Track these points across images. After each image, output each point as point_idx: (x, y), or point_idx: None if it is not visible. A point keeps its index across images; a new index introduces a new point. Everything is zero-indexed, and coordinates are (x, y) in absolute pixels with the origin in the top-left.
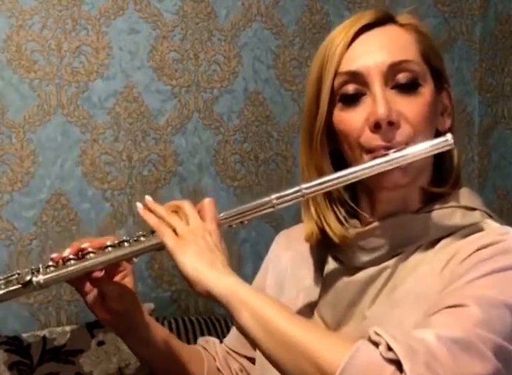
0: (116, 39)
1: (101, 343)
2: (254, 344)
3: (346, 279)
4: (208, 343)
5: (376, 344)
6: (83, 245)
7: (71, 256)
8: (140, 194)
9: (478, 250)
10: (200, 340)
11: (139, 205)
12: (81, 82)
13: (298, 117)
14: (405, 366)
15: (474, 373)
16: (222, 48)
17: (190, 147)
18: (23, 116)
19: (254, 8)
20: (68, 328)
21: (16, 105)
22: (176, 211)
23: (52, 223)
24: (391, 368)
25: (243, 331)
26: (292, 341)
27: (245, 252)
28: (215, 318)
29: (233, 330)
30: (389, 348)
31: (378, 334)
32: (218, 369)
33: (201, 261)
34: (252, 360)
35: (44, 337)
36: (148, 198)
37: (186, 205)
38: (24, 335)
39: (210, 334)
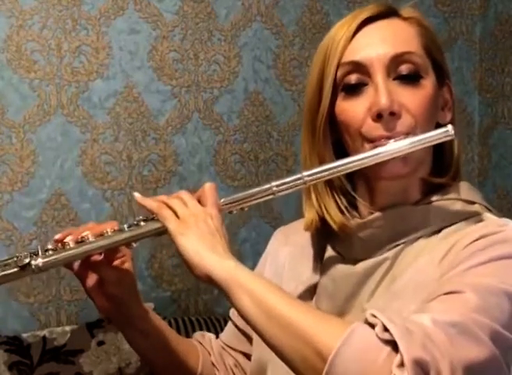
0: (116, 39)
1: (101, 343)
2: (253, 327)
3: (345, 270)
4: (204, 338)
5: (372, 326)
6: (84, 234)
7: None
8: (140, 194)
9: (476, 240)
10: (197, 334)
11: (136, 194)
12: (81, 82)
13: (298, 117)
14: (401, 347)
15: (470, 356)
16: (222, 48)
17: (190, 147)
18: (23, 116)
19: (254, 8)
20: (68, 328)
21: (16, 105)
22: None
23: (52, 223)
24: (387, 349)
25: (242, 315)
26: (292, 325)
27: (245, 252)
28: (215, 318)
29: (229, 326)
30: (385, 329)
31: (374, 316)
32: (213, 364)
33: (202, 244)
34: (247, 356)
35: (44, 337)
36: (137, 194)
37: (184, 194)
38: (24, 335)
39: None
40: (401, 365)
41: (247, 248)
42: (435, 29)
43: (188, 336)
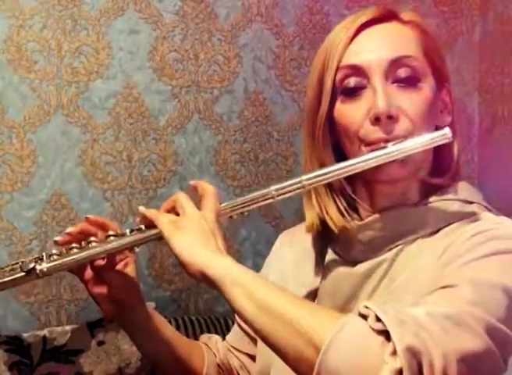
0: (116, 39)
1: (101, 343)
2: (246, 321)
3: (345, 272)
4: (210, 339)
5: (365, 317)
6: (91, 239)
7: (74, 245)
8: (140, 194)
9: (473, 236)
10: (203, 336)
11: (141, 207)
12: (81, 82)
13: (298, 117)
14: (393, 336)
15: (464, 347)
16: (222, 48)
17: (190, 147)
18: (23, 116)
19: (254, 8)
20: (68, 328)
21: (15, 105)
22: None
23: (52, 223)
24: (379, 338)
25: (235, 309)
26: (284, 316)
27: (245, 251)
28: (215, 317)
29: (235, 328)
30: (378, 319)
31: (367, 307)
32: (219, 366)
33: (195, 243)
34: (253, 357)
35: (44, 337)
36: (141, 208)
37: (181, 196)
38: (24, 335)
39: (210, 334)
40: (394, 353)
41: (247, 248)
42: (435, 29)
43: (188, 335)
